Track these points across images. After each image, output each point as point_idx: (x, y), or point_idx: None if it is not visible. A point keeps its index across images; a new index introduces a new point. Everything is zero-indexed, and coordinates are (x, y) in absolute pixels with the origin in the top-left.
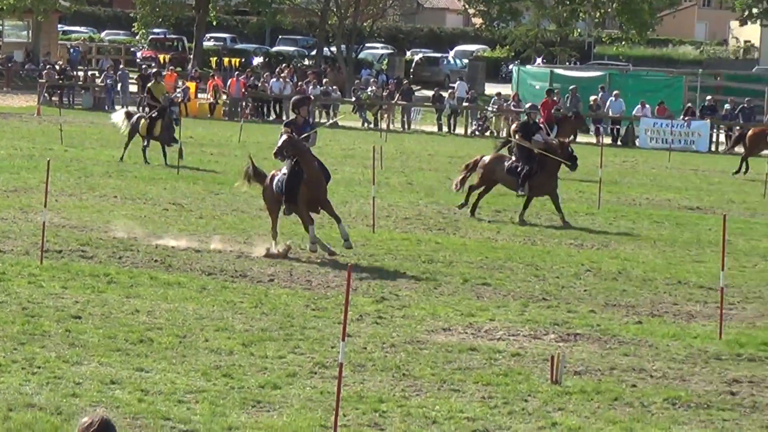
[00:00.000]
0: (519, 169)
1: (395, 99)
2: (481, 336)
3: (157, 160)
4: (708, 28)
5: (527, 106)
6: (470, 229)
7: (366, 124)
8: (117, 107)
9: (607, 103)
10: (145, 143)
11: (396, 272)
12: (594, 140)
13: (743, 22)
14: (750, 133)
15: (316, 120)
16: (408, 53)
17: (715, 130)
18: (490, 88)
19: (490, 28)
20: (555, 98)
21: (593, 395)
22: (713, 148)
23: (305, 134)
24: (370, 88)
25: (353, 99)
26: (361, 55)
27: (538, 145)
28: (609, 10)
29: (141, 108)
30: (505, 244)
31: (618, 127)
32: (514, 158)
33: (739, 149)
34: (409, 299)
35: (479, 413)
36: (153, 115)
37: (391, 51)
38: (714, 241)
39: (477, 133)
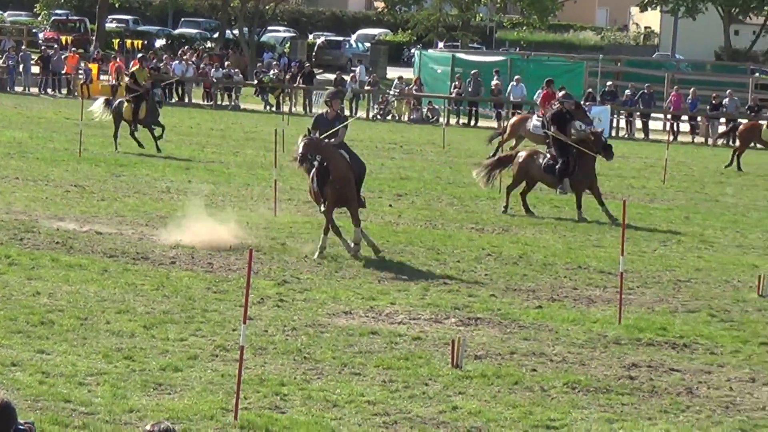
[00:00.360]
0: (556, 165)
1: (297, 82)
2: (382, 320)
3: (149, 144)
4: (609, 14)
5: (560, 94)
6: (371, 213)
7: (268, 107)
8: (17, 88)
9: (509, 89)
10: (133, 127)
11: (298, 255)
12: (495, 125)
13: (643, 9)
14: (741, 127)
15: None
16: (310, 37)
17: (615, 116)
18: (392, 72)
19: (392, 12)
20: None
21: (493, 379)
22: (614, 134)
23: (333, 129)
24: (272, 72)
25: (255, 82)
26: (264, 38)
27: (576, 136)
28: None
29: (113, 93)
30: (407, 228)
31: (519, 111)
32: (548, 155)
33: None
34: (310, 282)
35: (380, 397)
36: (128, 99)
37: (294, 34)
38: (614, 226)
39: (379, 117)
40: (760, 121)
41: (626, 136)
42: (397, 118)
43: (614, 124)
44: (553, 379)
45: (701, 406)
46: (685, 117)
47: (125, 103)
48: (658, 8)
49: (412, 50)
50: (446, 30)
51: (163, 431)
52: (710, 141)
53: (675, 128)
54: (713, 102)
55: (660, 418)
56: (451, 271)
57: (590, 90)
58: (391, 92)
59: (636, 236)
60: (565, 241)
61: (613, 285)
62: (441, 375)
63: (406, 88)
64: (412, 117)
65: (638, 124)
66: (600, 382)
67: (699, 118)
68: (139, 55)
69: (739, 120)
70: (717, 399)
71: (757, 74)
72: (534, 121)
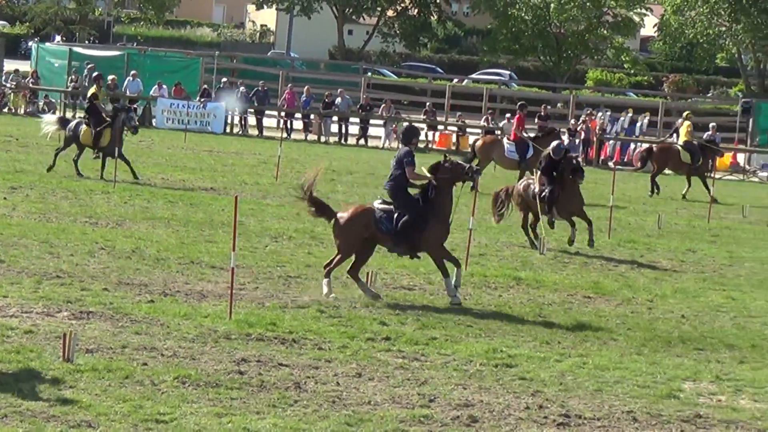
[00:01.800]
0: (542, 193)
1: None
2: None
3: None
4: (226, 11)
5: (553, 145)
6: None
7: None
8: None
9: (125, 83)
10: (96, 155)
11: None
12: None
13: (260, 6)
14: (656, 149)
15: None
16: None
17: (229, 113)
18: (9, 65)
19: (9, 4)
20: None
21: (105, 373)
22: (228, 130)
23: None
24: None
25: None
26: None
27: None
28: None
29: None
30: (20, 221)
31: (135, 106)
32: (536, 183)
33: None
34: None
35: None
36: (88, 122)
37: None
38: (226, 221)
39: None
40: (674, 145)
41: (240, 132)
42: (13, 110)
43: (229, 121)
44: (164, 373)
45: (309, 400)
46: (298, 115)
47: (83, 126)
48: (274, 6)
49: (30, 43)
50: (64, 23)
51: None
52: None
53: (288, 126)
54: (326, 100)
55: (268, 413)
56: (65, 265)
57: (206, 86)
58: (8, 85)
59: (248, 232)
60: (178, 236)
61: (225, 280)
62: (52, 369)
63: (23, 80)
64: (28, 110)
65: (252, 120)
66: (210, 377)
67: (312, 116)
68: (95, 74)
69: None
70: (324, 394)
71: (369, 74)
72: (506, 146)
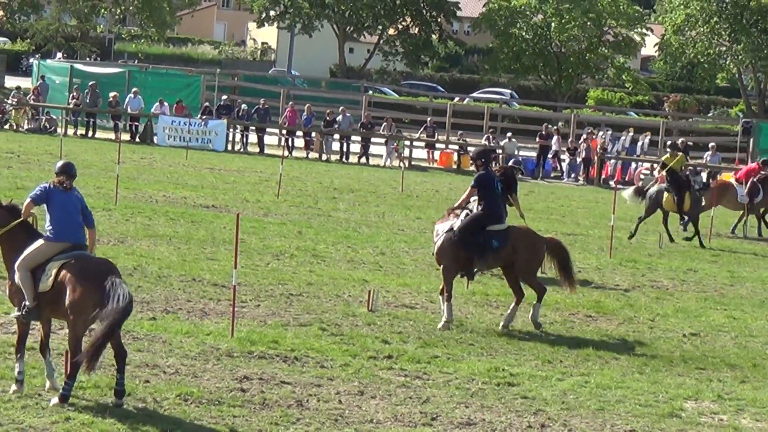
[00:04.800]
0: None
1: None
2: None
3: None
4: (227, 28)
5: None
6: None
7: None
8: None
9: (126, 100)
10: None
11: None
12: (113, 136)
13: (261, 24)
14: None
15: None
16: None
17: (231, 130)
18: (11, 81)
19: (10, 21)
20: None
21: (107, 390)
22: (230, 147)
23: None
24: None
25: None
26: None
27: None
28: (130, 7)
29: None
30: None
31: (137, 124)
32: None
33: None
34: None
35: None
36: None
37: None
38: (228, 239)
39: None
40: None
41: (241, 150)
42: (14, 127)
43: (230, 138)
44: (166, 390)
45: (311, 418)
46: (299, 132)
47: (665, 194)
48: (275, 24)
49: (31, 60)
50: (65, 40)
51: None
52: (324, 157)
53: (290, 143)
54: (327, 118)
55: (271, 431)
56: None
57: (207, 104)
58: (9, 101)
59: (249, 250)
60: (180, 254)
61: (227, 298)
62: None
63: (24, 97)
64: (29, 126)
65: (253, 138)
66: (212, 394)
67: (313, 134)
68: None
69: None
70: (327, 411)
71: (370, 92)
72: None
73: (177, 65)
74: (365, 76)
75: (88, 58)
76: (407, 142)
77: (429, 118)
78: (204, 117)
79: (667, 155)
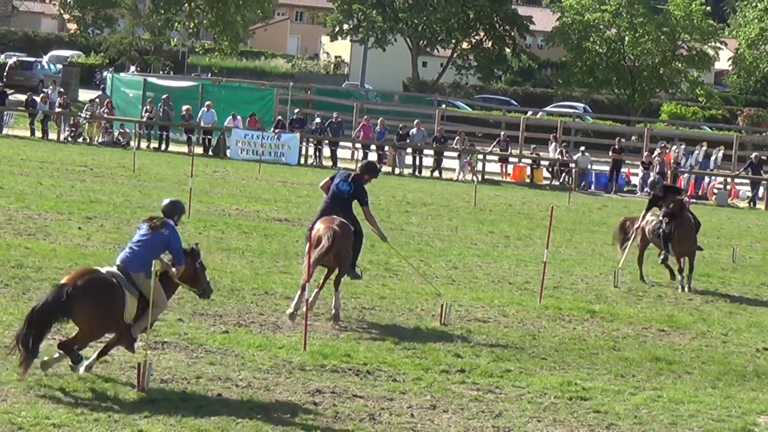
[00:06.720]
0: (658, 229)
1: None
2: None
3: None
4: (300, 42)
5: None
6: (60, 235)
7: None
8: None
9: (200, 114)
10: None
11: None
12: (186, 150)
13: (334, 38)
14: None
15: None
16: (2, 56)
17: (304, 143)
18: (84, 95)
19: (84, 35)
20: None
21: (179, 403)
22: (302, 161)
23: None
24: None
25: None
26: None
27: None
28: (204, 21)
29: None
30: (95, 251)
31: (210, 137)
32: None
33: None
34: None
35: (65, 420)
36: None
37: None
38: (300, 252)
39: (70, 139)
40: None
41: (314, 163)
42: (88, 140)
43: (303, 152)
44: (239, 404)
45: None
46: (372, 146)
47: None
48: (348, 38)
49: (105, 73)
50: (138, 54)
51: None
52: (397, 170)
53: (363, 157)
54: (400, 132)
55: None
56: None
57: (280, 117)
58: (83, 115)
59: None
60: (252, 267)
61: (299, 312)
62: (127, 398)
63: (98, 110)
64: (103, 140)
65: (327, 152)
66: (285, 408)
67: (386, 148)
68: None
69: None
70: (399, 425)
71: (443, 105)
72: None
73: (250, 79)
74: (438, 90)
75: (161, 72)
76: (480, 156)
77: (502, 132)
78: (277, 130)
79: None
